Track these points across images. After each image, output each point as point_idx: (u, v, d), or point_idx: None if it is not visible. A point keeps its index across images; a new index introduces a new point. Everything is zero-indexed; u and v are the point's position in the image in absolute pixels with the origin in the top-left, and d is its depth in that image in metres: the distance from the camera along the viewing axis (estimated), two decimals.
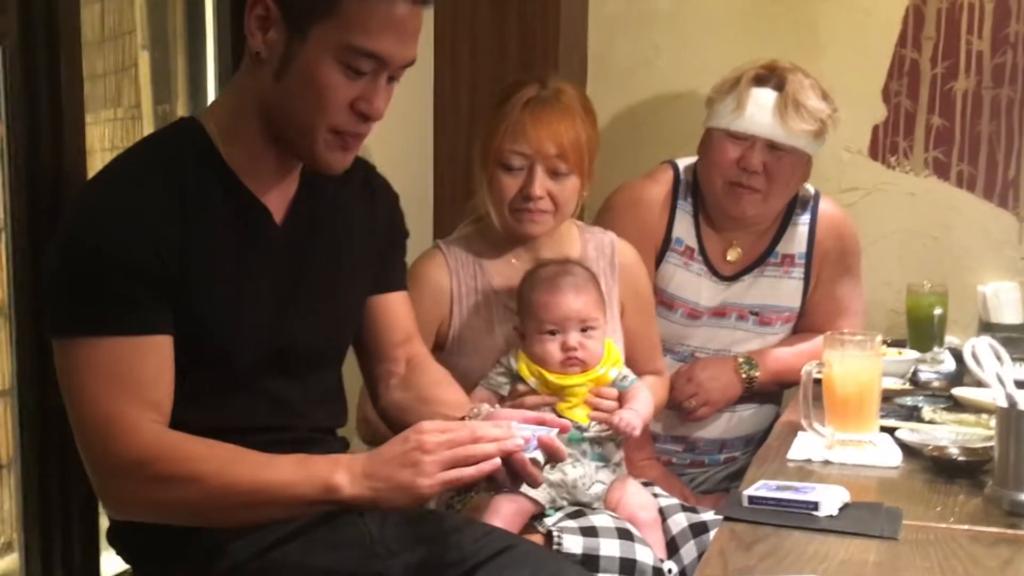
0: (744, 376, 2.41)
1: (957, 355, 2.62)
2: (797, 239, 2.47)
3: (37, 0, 1.71)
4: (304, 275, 1.58)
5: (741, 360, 2.42)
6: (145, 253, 1.40)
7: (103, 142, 2.37)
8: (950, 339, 2.75)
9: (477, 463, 1.35)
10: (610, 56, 3.14)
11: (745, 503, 1.54)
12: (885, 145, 3.00)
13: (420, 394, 1.76)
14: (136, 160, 1.49)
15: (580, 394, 1.92)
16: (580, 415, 1.92)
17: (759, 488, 1.56)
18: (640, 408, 1.94)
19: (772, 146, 2.32)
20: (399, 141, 2.69)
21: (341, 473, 1.39)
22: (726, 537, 1.43)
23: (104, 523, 1.67)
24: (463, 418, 1.65)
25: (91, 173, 1.88)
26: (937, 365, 2.51)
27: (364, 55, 1.44)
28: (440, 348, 2.09)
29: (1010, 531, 1.45)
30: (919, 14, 2.96)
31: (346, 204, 1.66)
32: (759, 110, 2.32)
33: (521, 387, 1.94)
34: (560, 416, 1.87)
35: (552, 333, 1.92)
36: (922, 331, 2.63)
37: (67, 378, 1.43)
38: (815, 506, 1.49)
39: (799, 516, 1.48)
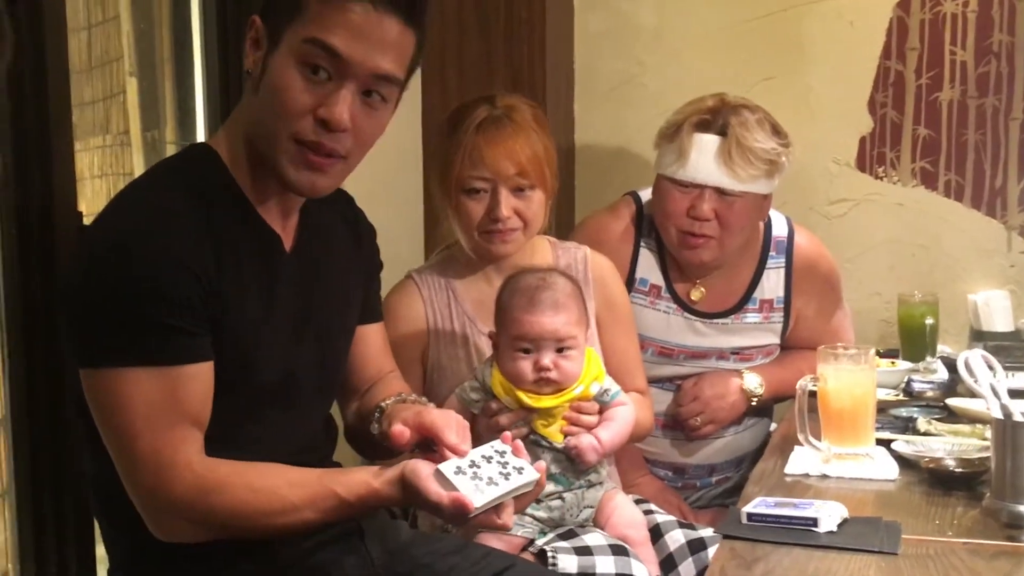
0: (749, 394, 2.39)
1: (949, 364, 2.63)
2: (774, 284, 2.41)
3: (23, 29, 1.71)
4: (312, 303, 1.58)
5: (748, 378, 2.39)
6: (187, 282, 1.39)
7: (92, 169, 2.37)
8: (942, 348, 2.77)
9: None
10: (596, 74, 3.15)
11: (744, 520, 1.53)
12: (872, 156, 3.02)
13: (366, 400, 1.77)
14: (162, 187, 1.47)
15: (558, 413, 1.86)
16: (556, 433, 1.85)
17: (758, 505, 1.55)
18: (605, 436, 1.85)
19: (722, 192, 2.25)
20: (388, 169, 2.69)
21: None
22: (726, 556, 1.42)
23: (100, 551, 1.66)
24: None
25: (81, 201, 1.89)
26: (930, 375, 2.52)
27: (320, 48, 1.41)
28: (424, 377, 2.09)
29: (1009, 544, 1.45)
30: (903, 25, 2.98)
31: (338, 234, 1.67)
32: (703, 158, 2.23)
33: (494, 405, 1.86)
34: (534, 432, 1.84)
35: (526, 351, 1.84)
36: (914, 341, 2.65)
37: (108, 410, 1.40)
38: (814, 522, 1.49)
39: (798, 533, 1.48)
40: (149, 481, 1.40)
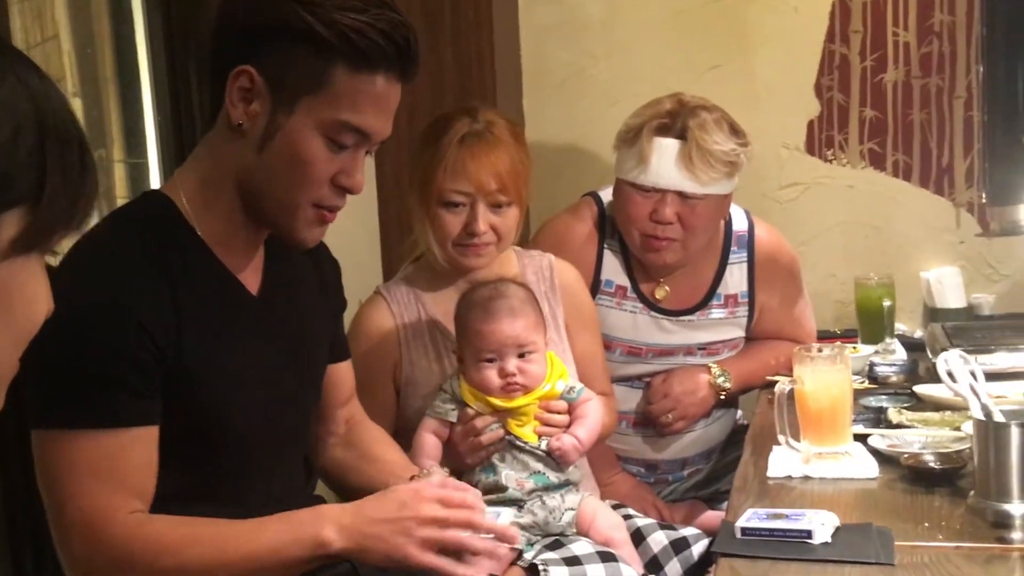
0: (718, 388, 2.41)
1: (907, 343, 2.69)
2: (737, 279, 2.43)
3: None
4: (283, 347, 1.56)
5: (716, 372, 2.41)
6: (139, 344, 1.36)
7: None
8: (898, 326, 2.82)
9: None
10: (545, 68, 3.14)
11: (738, 535, 1.54)
12: (821, 140, 3.05)
13: (362, 452, 1.78)
14: (118, 243, 1.43)
15: (530, 412, 1.91)
16: (529, 433, 1.90)
17: (750, 518, 1.56)
18: (583, 434, 1.91)
19: (683, 196, 2.26)
20: None
21: (328, 528, 1.40)
22: None
23: None
24: (412, 478, 1.66)
25: None
26: (890, 356, 2.56)
27: (350, 130, 1.42)
28: (396, 393, 2.09)
29: (999, 546, 1.48)
30: (845, 9, 3.00)
31: (302, 272, 1.65)
32: (664, 163, 2.24)
33: (469, 411, 1.91)
34: (510, 433, 1.89)
35: (490, 360, 1.89)
36: (873, 324, 2.69)
37: (49, 471, 1.38)
38: (808, 534, 1.50)
39: (794, 546, 1.49)
40: (82, 546, 1.37)
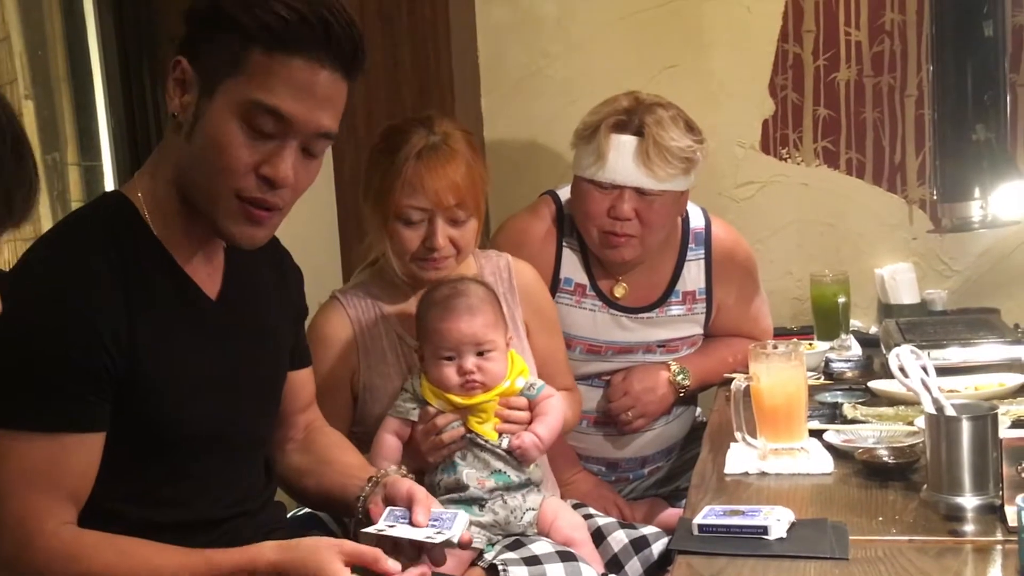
0: (677, 386, 2.43)
1: (862, 339, 2.72)
2: (695, 276, 2.44)
3: None
4: (242, 352, 1.55)
5: (676, 370, 2.43)
6: (88, 349, 1.35)
7: None
8: (853, 323, 2.86)
9: None
10: (502, 68, 3.15)
11: (695, 532, 1.56)
12: (776, 138, 3.08)
13: (320, 456, 1.77)
14: (69, 243, 1.42)
15: (490, 408, 1.91)
16: (490, 431, 1.91)
17: (707, 515, 1.58)
18: (543, 432, 1.92)
19: (641, 192, 2.28)
20: None
21: None
22: (685, 574, 1.45)
23: None
24: (370, 479, 1.66)
25: None
26: (845, 352, 2.60)
27: (265, 111, 1.38)
28: (354, 399, 2.09)
29: (951, 539, 1.51)
30: (798, 8, 3.04)
31: (263, 277, 1.64)
32: (621, 159, 2.25)
33: (431, 409, 1.92)
34: (470, 431, 1.89)
35: (448, 358, 1.90)
36: (828, 320, 2.72)
37: None
38: (764, 530, 1.52)
39: (750, 542, 1.51)
40: (10, 549, 1.36)
